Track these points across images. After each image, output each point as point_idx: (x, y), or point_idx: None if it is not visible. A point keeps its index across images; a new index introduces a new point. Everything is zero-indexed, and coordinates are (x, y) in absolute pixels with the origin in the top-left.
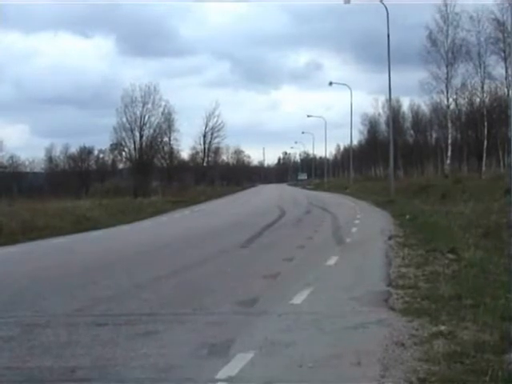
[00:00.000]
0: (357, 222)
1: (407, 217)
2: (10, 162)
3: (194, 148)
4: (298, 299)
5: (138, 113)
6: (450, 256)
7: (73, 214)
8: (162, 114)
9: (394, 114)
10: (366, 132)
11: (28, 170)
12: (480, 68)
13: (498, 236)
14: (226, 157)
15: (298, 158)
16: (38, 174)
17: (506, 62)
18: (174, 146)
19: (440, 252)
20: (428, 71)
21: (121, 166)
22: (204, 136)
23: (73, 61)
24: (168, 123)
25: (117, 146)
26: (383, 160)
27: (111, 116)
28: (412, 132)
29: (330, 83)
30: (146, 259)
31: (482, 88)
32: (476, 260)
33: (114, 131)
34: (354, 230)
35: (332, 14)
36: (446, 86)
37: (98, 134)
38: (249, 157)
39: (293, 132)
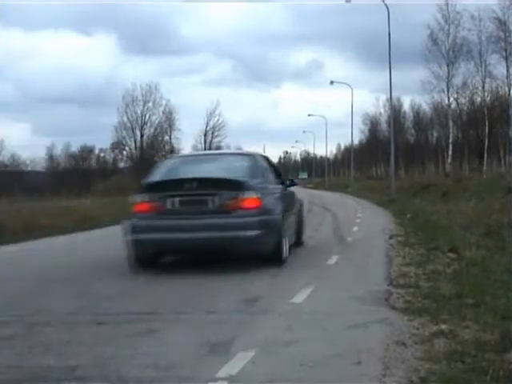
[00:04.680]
0: (358, 220)
1: (408, 216)
2: (11, 160)
3: (194, 147)
4: (299, 298)
5: (139, 112)
6: (451, 255)
7: (74, 212)
8: (163, 112)
9: (395, 113)
10: (366, 131)
11: (29, 168)
12: (481, 67)
13: (499, 235)
14: None
15: (298, 157)
16: (39, 173)
17: (507, 61)
18: (175, 145)
19: (441, 251)
20: (429, 70)
21: (122, 164)
22: (205, 135)
23: (73, 59)
24: (169, 122)
25: (118, 145)
26: (384, 159)
27: (112, 115)
28: (413, 131)
29: (331, 82)
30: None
31: (483, 87)
32: (477, 259)
33: (115, 130)
34: (354, 228)
35: (334, 13)
36: (447, 85)
37: (98, 133)
38: None
39: (294, 131)
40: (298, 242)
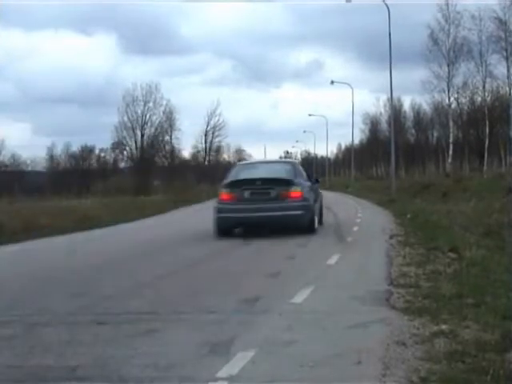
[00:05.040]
0: (358, 220)
1: (408, 216)
2: (12, 160)
3: (195, 147)
4: (299, 298)
5: (140, 111)
6: (451, 255)
7: (74, 212)
8: (164, 112)
9: (396, 112)
10: (367, 131)
11: (29, 168)
12: (481, 67)
13: (499, 235)
14: (227, 155)
15: (299, 157)
16: (39, 173)
17: (507, 61)
18: (176, 145)
19: (441, 251)
20: (429, 70)
21: (122, 164)
22: (205, 135)
23: (74, 59)
24: (169, 122)
25: (118, 145)
26: (384, 159)
27: (112, 115)
28: (413, 131)
29: (332, 82)
30: (148, 258)
31: (484, 87)
32: (477, 259)
33: (116, 130)
34: (355, 228)
35: (334, 13)
36: (448, 85)
37: (99, 133)
38: (250, 156)
39: (294, 131)
40: (320, 222)
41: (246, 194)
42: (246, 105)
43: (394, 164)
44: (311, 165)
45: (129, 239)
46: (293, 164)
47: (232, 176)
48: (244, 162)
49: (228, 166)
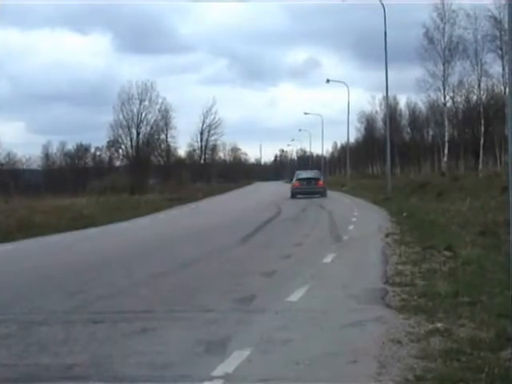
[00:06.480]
0: (354, 219)
1: (404, 214)
2: (7, 159)
3: (191, 145)
4: (295, 297)
5: (135, 110)
6: (447, 253)
7: (70, 211)
8: (159, 111)
9: (391, 111)
10: (363, 129)
11: (25, 167)
12: (477, 66)
13: (494, 234)
14: (222, 154)
15: (294, 156)
16: (34, 172)
17: (502, 60)
18: (171, 144)
19: (437, 249)
20: (425, 69)
21: (117, 163)
22: (201, 133)
23: (69, 57)
24: (165, 120)
25: (113, 144)
26: (380, 158)
27: (108, 113)
28: (409, 130)
29: (327, 81)
30: (143, 257)
31: (479, 86)
32: (473, 257)
33: (111, 128)
34: (350, 227)
35: (330, 12)
36: (443, 84)
37: (94, 131)
38: (246, 154)
39: (290, 129)
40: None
41: (303, 182)
42: (242, 103)
43: (389, 162)
44: (307, 163)
45: (124, 238)
46: (318, 172)
47: (296, 176)
48: (300, 171)
49: (224, 165)
